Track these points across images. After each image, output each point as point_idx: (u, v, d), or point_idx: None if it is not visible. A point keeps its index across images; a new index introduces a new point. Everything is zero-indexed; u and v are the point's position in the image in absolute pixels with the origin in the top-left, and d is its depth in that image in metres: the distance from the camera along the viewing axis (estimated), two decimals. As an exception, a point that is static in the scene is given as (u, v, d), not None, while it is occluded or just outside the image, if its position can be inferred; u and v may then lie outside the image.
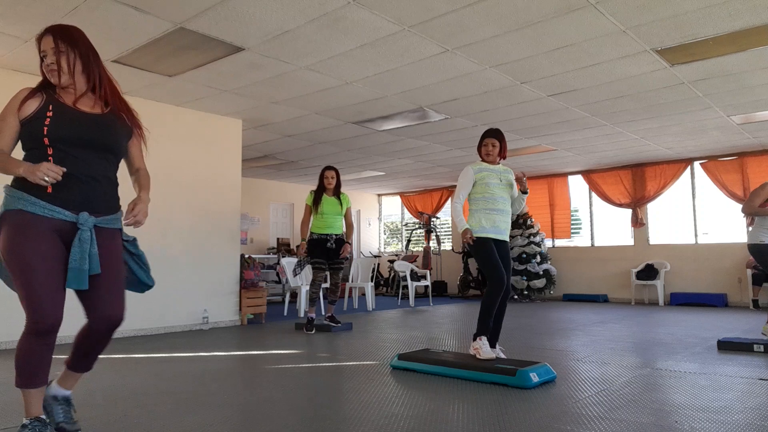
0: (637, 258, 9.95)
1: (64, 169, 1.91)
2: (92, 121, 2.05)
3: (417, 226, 13.10)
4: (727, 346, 4.59)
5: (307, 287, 7.77)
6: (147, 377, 3.64)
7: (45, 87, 2.09)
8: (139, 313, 5.70)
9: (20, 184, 1.98)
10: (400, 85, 5.55)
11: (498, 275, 3.84)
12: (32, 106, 2.01)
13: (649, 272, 9.56)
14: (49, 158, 1.98)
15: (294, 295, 8.56)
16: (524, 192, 4.07)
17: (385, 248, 14.42)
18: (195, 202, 6.35)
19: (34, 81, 4.81)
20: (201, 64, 4.96)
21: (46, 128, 1.97)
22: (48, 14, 3.91)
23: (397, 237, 14.39)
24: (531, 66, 5.02)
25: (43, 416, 2.09)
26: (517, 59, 4.85)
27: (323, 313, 6.29)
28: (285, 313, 7.93)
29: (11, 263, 1.94)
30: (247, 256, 7.55)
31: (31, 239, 1.92)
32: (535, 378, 3.30)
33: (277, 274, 9.60)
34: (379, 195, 14.33)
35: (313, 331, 5.91)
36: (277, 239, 11.61)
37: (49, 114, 1.99)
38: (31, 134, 2.00)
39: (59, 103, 2.04)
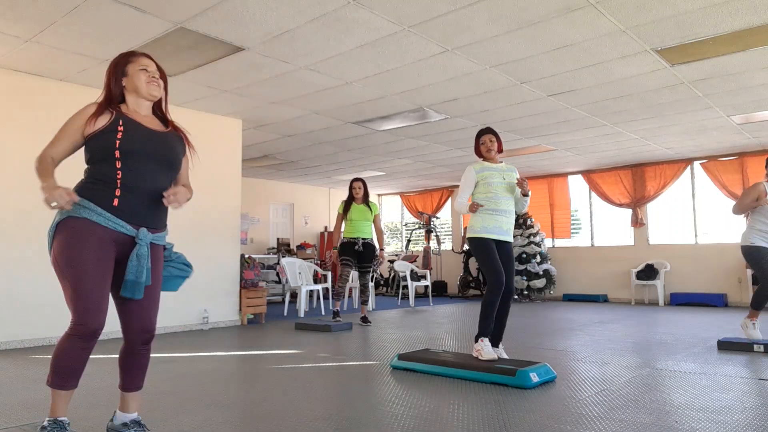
0: (637, 258, 9.95)
1: (77, 199, 1.98)
2: (160, 138, 2.19)
3: (417, 226, 13.10)
4: (727, 346, 4.59)
5: (308, 288, 7.91)
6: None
7: (110, 104, 2.21)
8: (139, 313, 5.70)
9: (87, 193, 2.08)
10: (400, 85, 5.56)
11: (497, 276, 3.82)
12: (102, 120, 2.12)
13: (649, 272, 9.56)
14: (118, 171, 2.08)
15: (294, 295, 8.56)
16: (525, 195, 4.03)
17: (385, 248, 14.42)
18: (195, 202, 6.35)
19: (34, 81, 4.82)
20: (201, 64, 4.96)
21: (118, 141, 2.07)
22: (48, 14, 3.91)
23: (397, 237, 14.39)
24: (531, 66, 5.02)
25: (64, 419, 2.10)
26: (517, 59, 4.85)
27: (332, 308, 6.50)
28: (285, 313, 7.93)
29: (67, 266, 2.01)
30: (247, 256, 7.55)
31: (91, 247, 2.02)
32: (535, 378, 3.30)
33: (277, 274, 9.60)
34: (379, 195, 14.33)
35: (341, 320, 6.38)
36: (277, 239, 11.61)
37: (120, 128, 2.10)
38: (103, 147, 2.09)
39: (129, 119, 2.15)
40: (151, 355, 3.97)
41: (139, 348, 2.18)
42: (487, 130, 4.12)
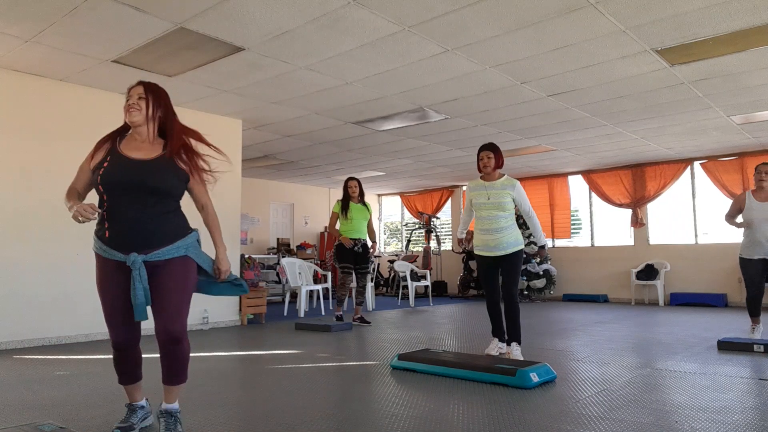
0: (637, 258, 9.95)
1: (99, 210, 2.18)
2: (137, 167, 2.25)
3: (417, 226, 13.10)
4: (727, 346, 4.59)
5: (308, 288, 7.91)
6: (147, 377, 3.62)
7: (120, 134, 2.36)
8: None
9: (96, 228, 2.30)
10: (400, 85, 5.56)
11: (485, 293, 4.30)
12: (99, 156, 2.30)
13: (649, 272, 9.56)
14: (104, 203, 2.24)
15: (294, 295, 8.56)
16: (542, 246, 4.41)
17: (385, 248, 14.43)
18: (195, 202, 6.34)
19: (34, 81, 4.82)
20: (201, 64, 4.96)
21: (99, 177, 2.23)
22: (48, 14, 3.91)
23: (397, 237, 14.39)
24: (531, 66, 5.02)
25: (136, 403, 2.48)
26: (517, 59, 4.85)
27: (335, 312, 6.49)
28: (285, 313, 7.93)
29: (98, 294, 2.33)
30: (247, 256, 7.55)
31: (102, 277, 2.29)
32: (535, 378, 3.30)
33: (277, 274, 9.60)
34: (379, 195, 14.33)
35: (347, 321, 6.42)
36: (277, 239, 11.61)
37: (105, 164, 2.24)
38: (94, 183, 2.27)
39: (116, 152, 2.29)
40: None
41: (166, 346, 2.30)
42: (486, 147, 4.28)
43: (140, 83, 2.36)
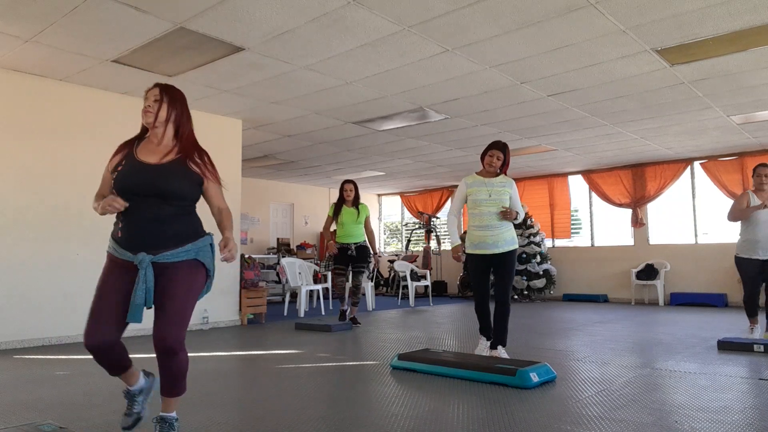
0: (637, 258, 9.95)
1: (126, 204, 2.20)
2: (151, 171, 2.28)
3: (417, 226, 13.10)
4: (727, 346, 4.59)
5: (308, 288, 7.92)
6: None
7: (140, 138, 2.38)
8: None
9: (112, 231, 2.32)
10: (400, 85, 5.55)
11: (475, 294, 4.22)
12: (116, 159, 2.33)
13: (649, 272, 9.56)
14: (126, 205, 2.26)
15: (294, 295, 8.56)
16: (515, 220, 4.13)
17: (385, 248, 14.42)
18: (195, 202, 6.35)
19: (34, 81, 4.82)
20: (201, 64, 4.96)
21: (113, 181, 2.27)
22: (48, 14, 3.91)
23: (397, 237, 14.39)
24: (531, 66, 5.02)
25: (133, 388, 2.42)
26: (517, 59, 4.85)
27: (340, 307, 6.46)
28: (285, 313, 7.93)
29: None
30: (247, 256, 7.55)
31: (108, 274, 2.28)
32: (535, 378, 3.30)
33: (277, 274, 9.60)
34: (379, 195, 14.33)
35: (346, 320, 6.37)
36: (277, 239, 11.61)
37: (120, 168, 2.28)
38: (111, 186, 2.31)
39: (131, 156, 2.31)
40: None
41: (162, 357, 2.26)
42: (499, 147, 4.17)
43: (157, 85, 2.36)
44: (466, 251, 4.19)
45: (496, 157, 4.13)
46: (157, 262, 2.23)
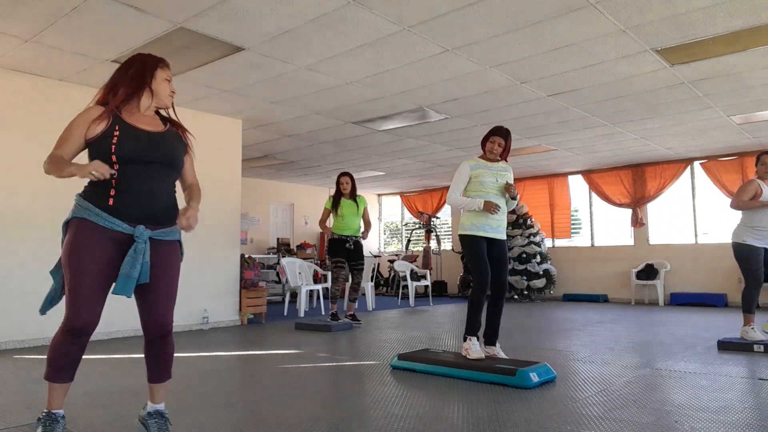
0: (637, 258, 9.95)
1: (113, 171, 2.05)
2: (156, 139, 2.21)
3: (417, 226, 13.10)
4: (727, 346, 4.59)
5: (308, 288, 7.91)
6: (139, 377, 3.63)
7: (114, 104, 2.22)
8: (139, 313, 5.70)
9: (87, 194, 2.15)
10: (400, 85, 5.55)
11: (483, 276, 3.85)
12: (101, 125, 2.15)
13: (649, 272, 9.56)
14: (115, 174, 2.11)
15: (294, 295, 8.56)
16: (513, 198, 4.01)
17: (385, 248, 14.42)
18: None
19: (34, 81, 4.82)
20: (201, 64, 4.96)
21: (113, 146, 2.11)
22: (48, 14, 3.91)
23: (397, 237, 14.38)
24: (531, 66, 5.02)
25: (59, 411, 2.19)
26: (517, 59, 4.85)
27: (329, 311, 6.46)
28: (285, 313, 7.93)
29: (69, 264, 2.10)
30: (247, 256, 7.54)
31: (90, 246, 2.08)
32: (535, 378, 3.30)
33: (277, 274, 9.60)
34: (379, 195, 14.33)
35: (339, 321, 6.29)
36: (277, 239, 11.61)
37: (116, 134, 2.13)
38: (100, 152, 2.12)
39: (124, 123, 2.18)
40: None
41: (157, 341, 2.22)
42: (501, 133, 4.01)
43: (167, 63, 2.35)
44: (466, 233, 3.95)
45: (498, 143, 3.99)
46: (153, 237, 2.16)
